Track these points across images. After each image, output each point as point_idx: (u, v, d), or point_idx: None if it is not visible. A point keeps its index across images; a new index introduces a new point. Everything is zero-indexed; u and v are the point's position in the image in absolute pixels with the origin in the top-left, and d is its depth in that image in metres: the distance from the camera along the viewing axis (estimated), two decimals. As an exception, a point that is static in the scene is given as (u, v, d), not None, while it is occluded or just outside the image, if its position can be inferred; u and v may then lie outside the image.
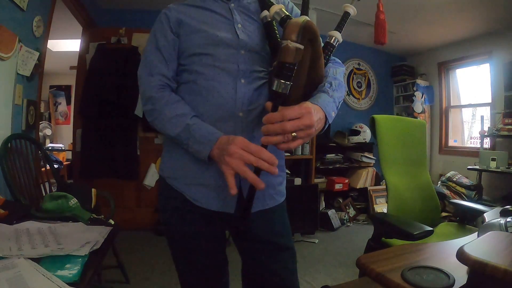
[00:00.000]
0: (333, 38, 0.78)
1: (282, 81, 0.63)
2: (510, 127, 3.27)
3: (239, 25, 0.83)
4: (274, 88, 0.64)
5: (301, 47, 0.62)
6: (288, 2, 0.93)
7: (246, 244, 0.88)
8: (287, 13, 0.76)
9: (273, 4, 0.79)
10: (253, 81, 0.80)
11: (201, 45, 0.80)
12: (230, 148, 0.66)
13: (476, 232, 0.88)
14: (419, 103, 4.14)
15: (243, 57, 0.80)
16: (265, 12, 0.82)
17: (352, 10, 0.80)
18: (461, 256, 0.51)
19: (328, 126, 0.74)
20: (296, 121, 0.62)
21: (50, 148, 4.91)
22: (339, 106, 0.77)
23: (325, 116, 0.69)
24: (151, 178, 3.06)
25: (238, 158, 0.66)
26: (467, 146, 4.14)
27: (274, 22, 0.81)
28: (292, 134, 0.63)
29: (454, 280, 0.56)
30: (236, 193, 0.79)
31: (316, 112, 0.66)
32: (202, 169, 0.79)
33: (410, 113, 4.16)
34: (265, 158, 0.65)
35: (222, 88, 0.78)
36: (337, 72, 0.81)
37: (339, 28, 0.79)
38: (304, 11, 0.77)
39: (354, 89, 4.29)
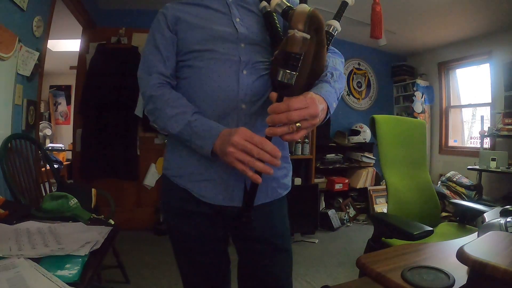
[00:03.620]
0: (332, 27, 0.78)
1: (288, 71, 0.62)
2: (510, 127, 3.27)
3: (237, 19, 0.83)
4: (279, 79, 0.63)
5: (308, 36, 0.62)
6: None
7: (245, 243, 0.88)
8: (288, 4, 0.75)
9: None
10: (255, 72, 0.80)
11: (200, 41, 0.79)
12: (232, 139, 0.66)
13: (476, 232, 0.88)
14: (419, 103, 4.14)
15: (244, 49, 0.80)
16: (264, 3, 0.81)
17: None
18: (461, 256, 0.51)
19: (329, 118, 0.73)
20: (301, 111, 0.62)
21: (50, 148, 4.90)
22: (340, 97, 0.77)
23: (327, 106, 0.69)
24: (151, 178, 3.06)
25: (241, 149, 0.65)
26: (467, 146, 4.14)
27: (274, 12, 0.81)
28: (297, 124, 0.62)
29: (454, 280, 0.56)
30: (243, 186, 0.79)
31: (320, 103, 0.66)
32: (206, 165, 0.79)
33: (410, 113, 4.16)
34: (268, 150, 0.65)
35: (224, 81, 0.77)
36: (336, 62, 0.80)
37: (337, 17, 0.79)
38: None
39: (354, 89, 4.29)
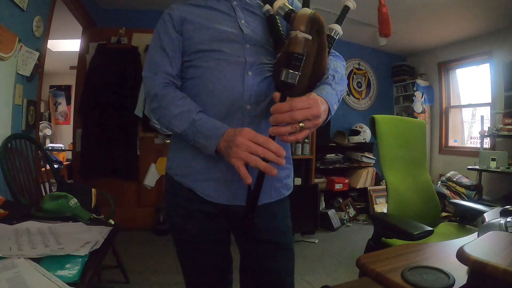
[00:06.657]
0: (334, 31, 0.79)
1: (290, 71, 0.63)
2: (510, 127, 3.27)
3: (243, 21, 0.84)
4: (282, 78, 0.64)
5: (310, 37, 0.63)
6: None
7: (249, 243, 0.88)
8: (291, 7, 0.76)
9: None
10: (260, 73, 0.81)
11: (206, 41, 0.80)
12: (237, 140, 0.66)
13: (476, 232, 0.88)
14: (419, 103, 4.14)
15: (249, 50, 0.81)
16: (268, 6, 0.82)
17: (351, 4, 0.80)
18: (461, 256, 0.51)
19: (329, 120, 0.74)
20: (305, 111, 0.63)
21: (50, 148, 4.90)
22: (341, 99, 0.78)
23: (329, 108, 0.70)
24: (151, 178, 3.06)
25: (245, 149, 0.65)
26: (467, 146, 4.14)
27: (277, 16, 0.82)
28: (300, 124, 0.63)
29: (454, 280, 0.56)
30: (247, 184, 0.80)
31: (322, 103, 0.66)
32: (210, 164, 0.80)
33: (410, 113, 4.16)
34: (273, 149, 0.65)
35: (229, 81, 0.78)
36: (338, 65, 0.82)
37: (339, 21, 0.80)
38: (306, 3, 0.78)
39: (354, 89, 4.29)
